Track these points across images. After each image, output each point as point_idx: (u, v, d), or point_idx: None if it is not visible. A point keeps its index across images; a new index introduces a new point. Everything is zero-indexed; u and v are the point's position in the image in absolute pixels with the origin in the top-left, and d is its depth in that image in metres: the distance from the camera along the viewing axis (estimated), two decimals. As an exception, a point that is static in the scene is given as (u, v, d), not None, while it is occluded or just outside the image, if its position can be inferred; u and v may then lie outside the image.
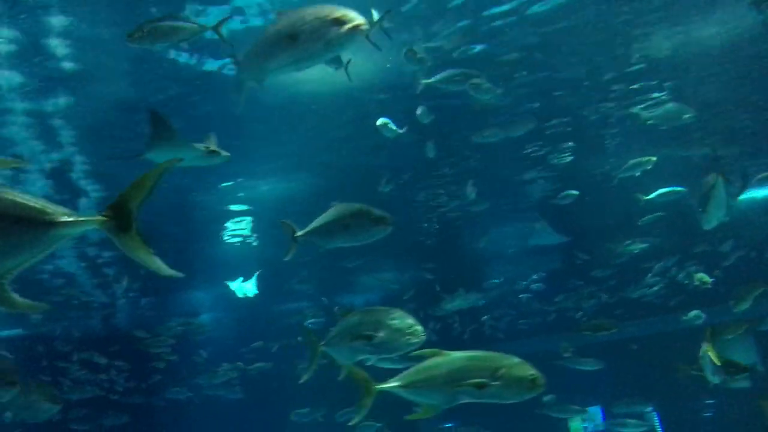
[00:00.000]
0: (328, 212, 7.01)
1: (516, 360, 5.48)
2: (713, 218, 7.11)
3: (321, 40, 5.20)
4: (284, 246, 7.09)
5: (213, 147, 7.08)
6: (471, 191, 13.83)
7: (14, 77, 9.21)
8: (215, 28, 6.95)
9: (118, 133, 11.12)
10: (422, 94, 9.73)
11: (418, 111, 10.33)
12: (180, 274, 3.46)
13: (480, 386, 5.45)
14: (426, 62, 9.19)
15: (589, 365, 15.68)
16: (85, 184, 12.86)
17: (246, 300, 19.44)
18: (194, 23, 7.07)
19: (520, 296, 21.02)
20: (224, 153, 7.10)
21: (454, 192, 14.93)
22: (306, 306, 21.69)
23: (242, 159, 12.50)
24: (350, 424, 6.32)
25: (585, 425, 24.02)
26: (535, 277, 20.65)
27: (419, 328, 6.07)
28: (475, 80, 9.46)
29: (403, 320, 6.09)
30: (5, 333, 21.44)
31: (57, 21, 8.07)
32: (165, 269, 3.48)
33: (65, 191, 12.98)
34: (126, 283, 16.09)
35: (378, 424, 19.31)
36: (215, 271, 18.84)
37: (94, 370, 19.89)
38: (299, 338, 17.45)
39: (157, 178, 3.51)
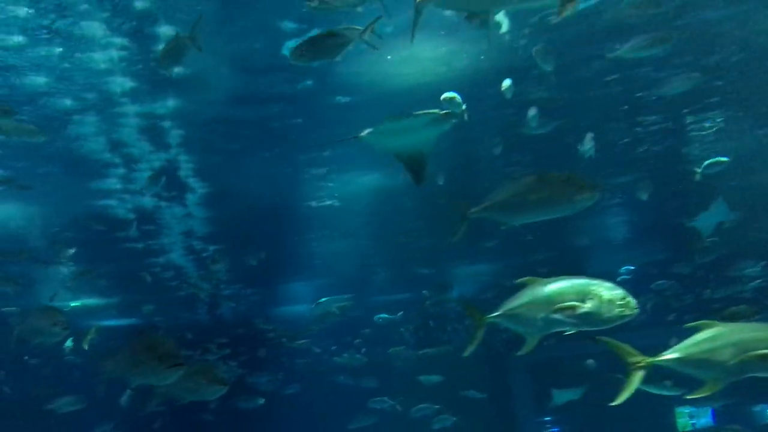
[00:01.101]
0: (509, 184, 6.47)
1: None
2: None
3: None
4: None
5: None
6: (589, 147, 11.15)
7: (126, 82, 9.71)
8: (191, 37, 7.26)
9: (222, 132, 11.60)
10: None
11: (504, 84, 9.61)
12: None
13: None
14: (492, 27, 8.42)
15: None
16: (193, 182, 13.46)
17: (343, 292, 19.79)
18: (181, 39, 7.55)
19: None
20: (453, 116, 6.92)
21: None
22: (402, 298, 21.92)
23: (338, 155, 12.75)
24: (615, 403, 5.73)
25: (693, 422, 23.18)
26: (631, 268, 19.91)
27: (632, 300, 5.55)
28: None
29: (614, 291, 5.57)
30: (119, 322, 22.77)
31: (164, 28, 8.43)
32: None
33: (173, 188, 13.67)
34: (222, 266, 16.56)
35: (453, 418, 19.37)
36: (314, 263, 19.30)
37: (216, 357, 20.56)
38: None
39: None
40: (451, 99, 9.06)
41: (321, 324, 18.88)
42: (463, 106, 9.19)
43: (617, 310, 5.51)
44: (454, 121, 6.94)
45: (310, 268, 19.83)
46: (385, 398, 20.66)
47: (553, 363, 21.52)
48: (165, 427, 21.38)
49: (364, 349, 21.43)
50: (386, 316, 20.90)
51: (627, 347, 5.72)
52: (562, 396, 18.23)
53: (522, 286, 6.13)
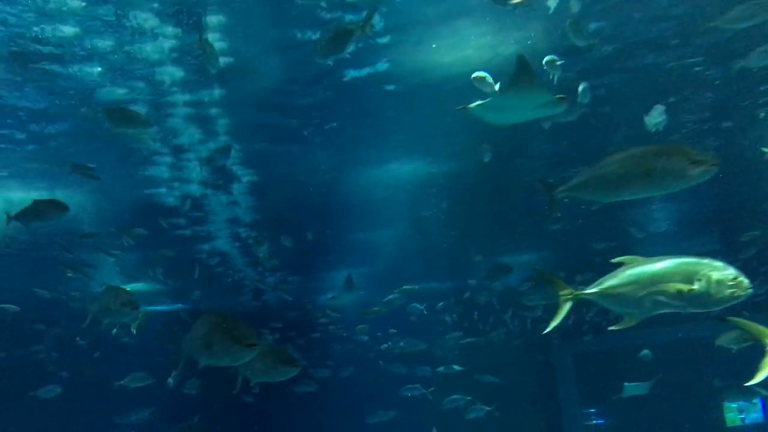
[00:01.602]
0: (605, 161, 6.10)
1: None
2: None
3: None
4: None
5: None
6: (660, 120, 9.74)
7: (176, 72, 9.88)
8: (201, 42, 7.30)
9: (269, 120, 11.68)
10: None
11: (545, 60, 8.98)
12: None
13: None
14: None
15: None
16: (238, 170, 13.62)
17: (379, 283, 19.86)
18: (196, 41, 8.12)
19: None
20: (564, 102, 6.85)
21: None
22: (448, 287, 21.81)
23: (382, 144, 12.77)
24: (750, 383, 5.42)
25: (742, 416, 22.66)
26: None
27: (744, 279, 5.28)
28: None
29: (724, 270, 5.28)
30: (168, 307, 23.27)
31: (214, 18, 8.57)
32: None
33: (220, 177, 13.87)
34: (265, 249, 16.69)
35: (488, 408, 19.28)
36: (358, 252, 19.39)
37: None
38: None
39: None
40: (482, 79, 8.46)
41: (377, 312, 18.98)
42: (496, 87, 8.57)
43: (728, 291, 5.27)
44: (564, 107, 6.83)
45: (354, 257, 19.93)
46: (418, 385, 20.77)
47: (602, 354, 21.28)
48: (207, 408, 21.81)
49: (403, 342, 21.41)
50: (418, 306, 20.87)
51: (761, 327, 5.47)
52: (632, 389, 17.92)
53: (621, 265, 5.88)
